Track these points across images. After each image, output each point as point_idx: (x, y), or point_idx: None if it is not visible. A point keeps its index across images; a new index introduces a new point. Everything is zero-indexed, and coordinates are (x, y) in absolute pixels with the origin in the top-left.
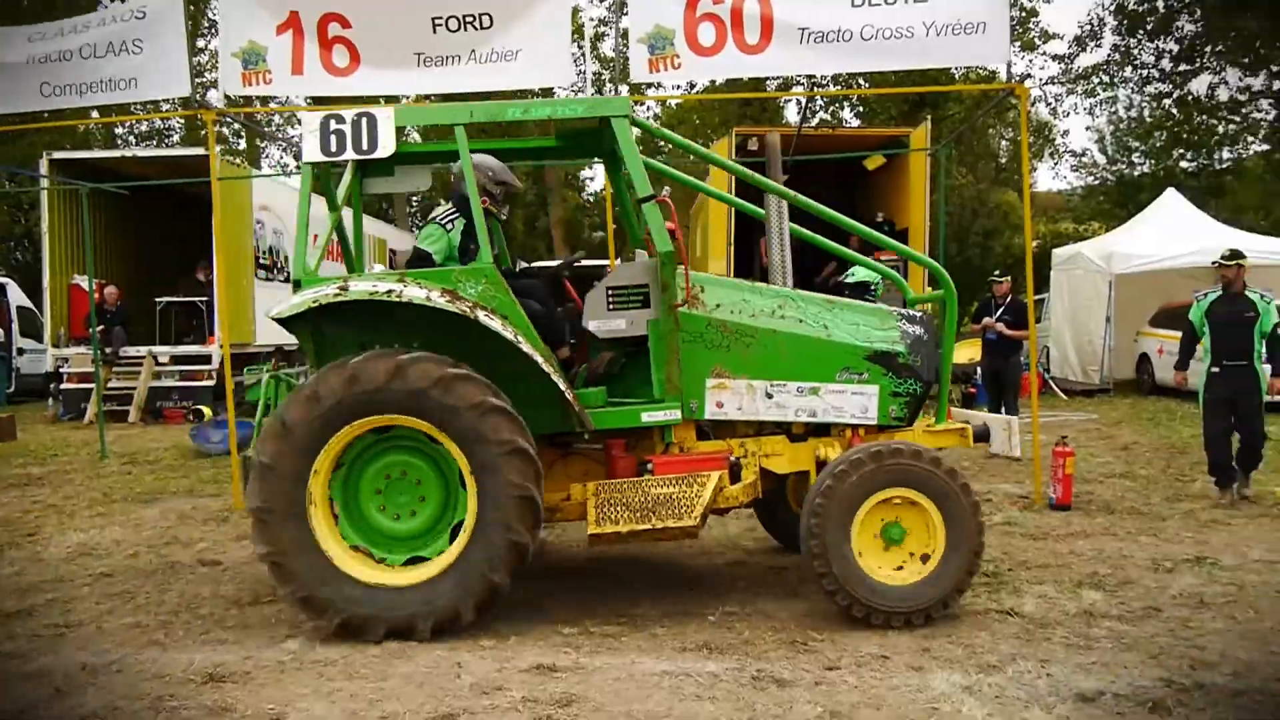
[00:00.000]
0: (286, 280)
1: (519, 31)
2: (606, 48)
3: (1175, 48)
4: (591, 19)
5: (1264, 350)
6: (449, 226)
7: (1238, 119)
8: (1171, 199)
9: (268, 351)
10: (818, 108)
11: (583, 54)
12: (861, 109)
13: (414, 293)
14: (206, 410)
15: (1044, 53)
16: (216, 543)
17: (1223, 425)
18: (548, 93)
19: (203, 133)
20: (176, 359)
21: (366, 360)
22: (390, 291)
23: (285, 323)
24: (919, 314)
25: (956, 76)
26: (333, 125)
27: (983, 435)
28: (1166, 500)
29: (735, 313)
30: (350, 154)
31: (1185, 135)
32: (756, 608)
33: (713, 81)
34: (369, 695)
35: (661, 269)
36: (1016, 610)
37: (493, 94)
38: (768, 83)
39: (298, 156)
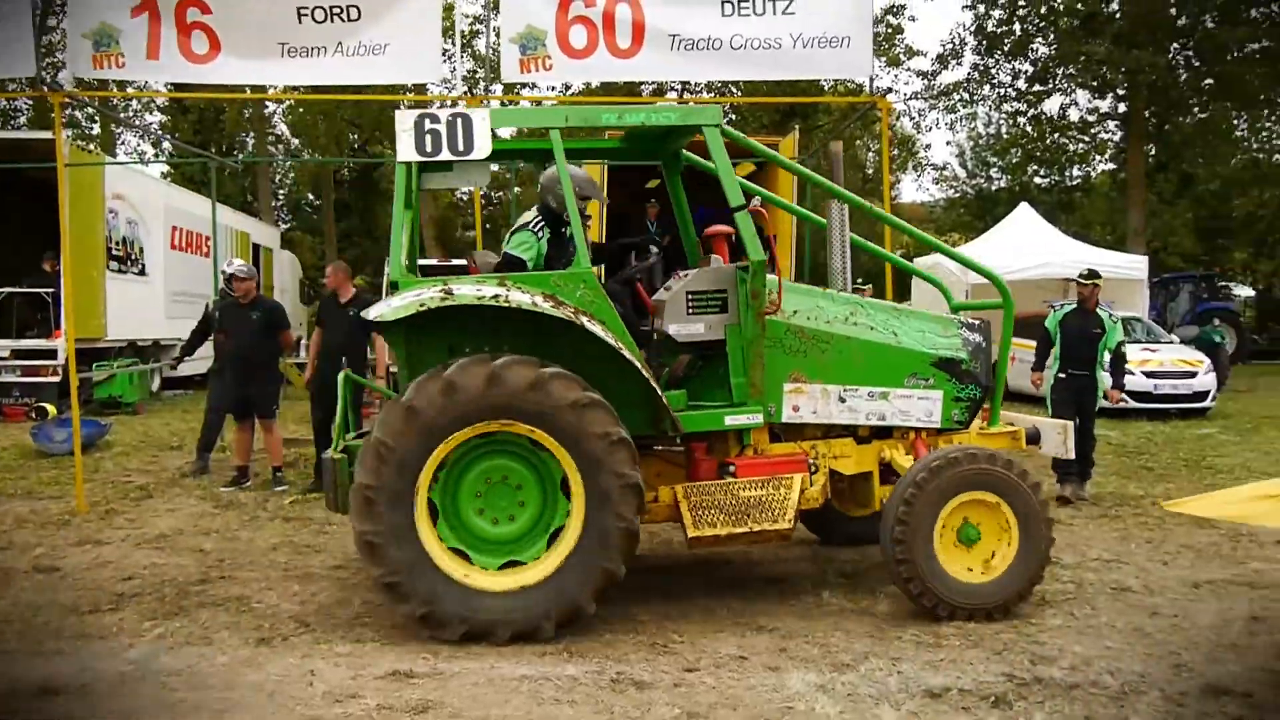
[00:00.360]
0: (141, 273)
1: (388, 25)
2: (482, 45)
3: (1030, 69)
4: (466, 15)
5: (1106, 362)
6: (540, 234)
7: (1087, 139)
8: (1024, 213)
9: (119, 346)
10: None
11: (457, 51)
12: (734, 117)
13: (520, 298)
14: (50, 408)
15: (908, 69)
16: (55, 548)
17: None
18: (420, 89)
19: (51, 115)
20: (18, 353)
21: (462, 368)
22: (496, 296)
23: (379, 324)
24: (977, 322)
25: (825, 88)
26: (428, 125)
27: (1034, 438)
28: None
29: (812, 319)
30: (446, 154)
31: (1039, 153)
32: (618, 609)
33: (587, 84)
34: (215, 706)
35: (753, 277)
36: (871, 610)
37: (361, 88)
38: (642, 88)
39: (157, 144)
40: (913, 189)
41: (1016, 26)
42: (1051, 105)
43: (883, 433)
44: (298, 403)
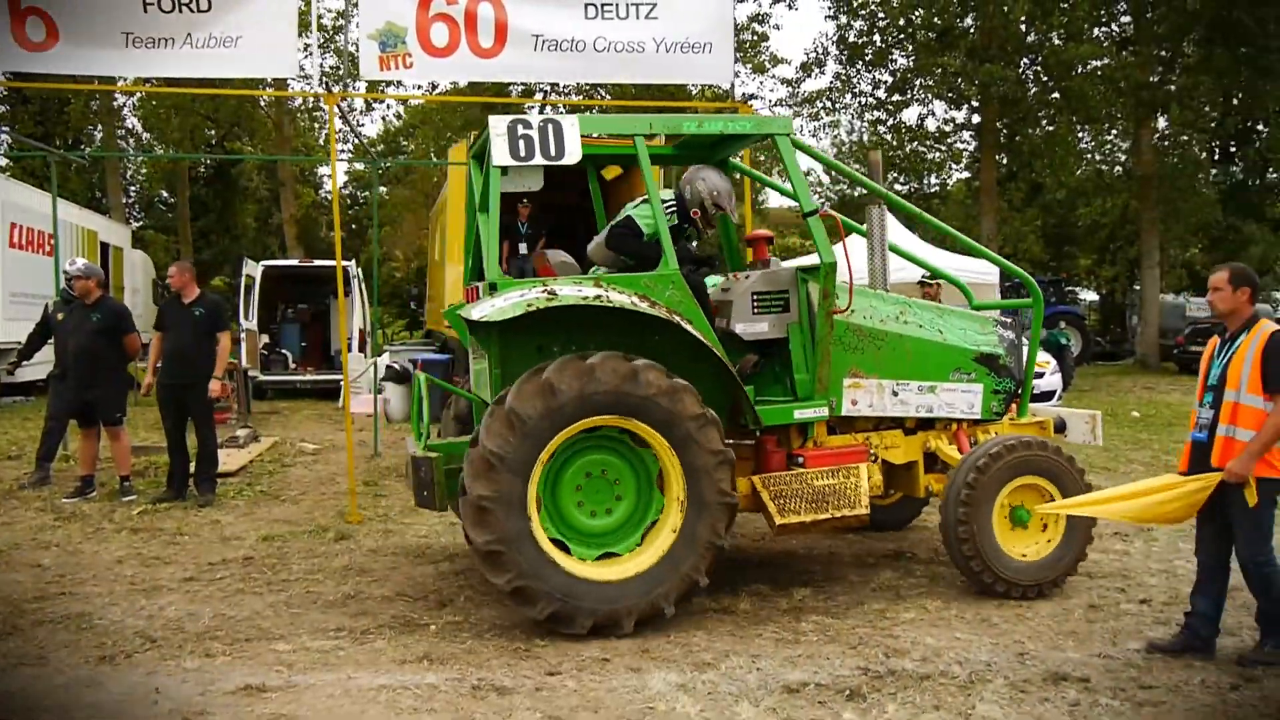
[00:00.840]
0: None
1: (239, 17)
2: (345, 41)
3: (890, 79)
4: (330, 10)
5: None
6: (667, 215)
7: (943, 148)
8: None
9: None
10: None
11: (316, 46)
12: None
13: (619, 298)
14: None
15: (774, 76)
16: None
17: None
18: (280, 84)
19: None
20: None
21: (603, 361)
22: (599, 297)
23: (480, 324)
24: (1009, 320)
25: (693, 93)
26: (520, 130)
27: (1060, 427)
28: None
29: (868, 318)
30: (539, 159)
31: (898, 160)
32: (481, 615)
33: (454, 83)
34: None
35: (824, 278)
36: (732, 608)
37: (211, 81)
38: (510, 89)
39: None
40: (777, 194)
41: (877, 38)
42: (910, 115)
43: (925, 424)
44: (149, 409)
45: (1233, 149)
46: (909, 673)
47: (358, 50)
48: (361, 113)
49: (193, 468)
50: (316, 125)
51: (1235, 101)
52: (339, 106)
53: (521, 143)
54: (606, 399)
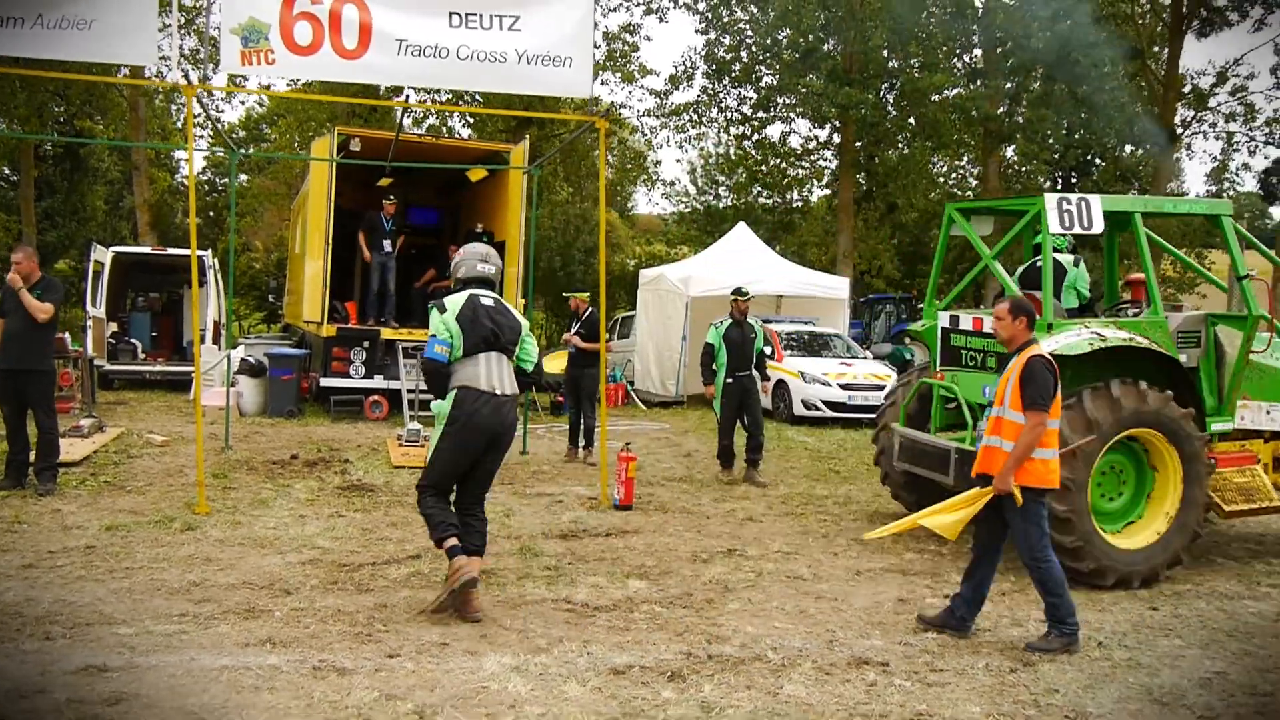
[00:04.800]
0: None
1: None
2: (204, 27)
3: (755, 96)
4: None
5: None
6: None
7: (805, 165)
8: (741, 231)
9: None
10: (428, 114)
11: (175, 27)
12: (472, 121)
13: (1143, 341)
14: None
15: (642, 86)
16: None
17: (734, 419)
18: (136, 72)
19: None
20: None
21: (1150, 389)
22: (1130, 339)
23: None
24: None
25: (561, 101)
26: (1064, 206)
27: None
28: (714, 501)
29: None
30: (1078, 229)
31: (761, 175)
32: (326, 603)
33: (320, 81)
34: None
35: (1250, 326)
36: (570, 599)
37: (62, 64)
38: (381, 89)
39: None
40: (645, 202)
41: (743, 55)
42: (774, 131)
43: (1276, 435)
44: None
45: (1074, 180)
46: (727, 657)
47: (219, 34)
48: (222, 99)
49: (32, 456)
50: (174, 107)
51: (1076, 136)
52: (197, 95)
53: (1066, 215)
54: (1149, 417)
